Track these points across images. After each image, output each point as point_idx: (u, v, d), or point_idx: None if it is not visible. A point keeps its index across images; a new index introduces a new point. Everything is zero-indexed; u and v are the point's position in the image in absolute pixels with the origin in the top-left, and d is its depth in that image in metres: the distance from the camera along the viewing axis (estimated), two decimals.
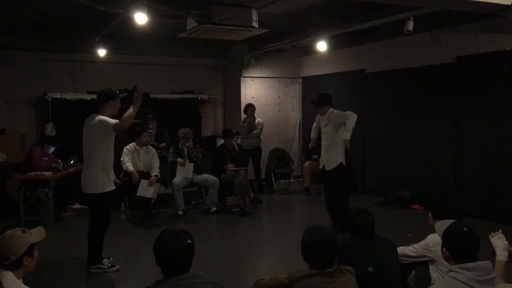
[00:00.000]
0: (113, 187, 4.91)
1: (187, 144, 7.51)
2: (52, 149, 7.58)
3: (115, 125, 4.63)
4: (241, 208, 7.40)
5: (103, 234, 4.91)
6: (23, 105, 8.73)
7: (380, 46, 8.42)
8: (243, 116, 9.27)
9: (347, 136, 6.03)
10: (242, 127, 9.01)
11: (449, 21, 6.94)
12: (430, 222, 3.25)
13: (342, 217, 5.78)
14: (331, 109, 6.21)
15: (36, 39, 8.47)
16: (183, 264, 2.35)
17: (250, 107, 9.08)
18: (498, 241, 2.80)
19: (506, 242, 2.79)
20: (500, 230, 2.87)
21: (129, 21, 6.02)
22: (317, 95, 6.39)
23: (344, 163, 6.13)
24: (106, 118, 4.65)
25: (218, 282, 2.41)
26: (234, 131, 8.81)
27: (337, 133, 6.09)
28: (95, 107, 4.80)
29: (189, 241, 2.40)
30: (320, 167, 6.35)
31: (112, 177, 4.90)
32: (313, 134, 6.75)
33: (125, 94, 5.22)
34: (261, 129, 9.11)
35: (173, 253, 2.32)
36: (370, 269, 2.78)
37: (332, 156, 6.11)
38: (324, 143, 6.24)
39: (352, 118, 6.02)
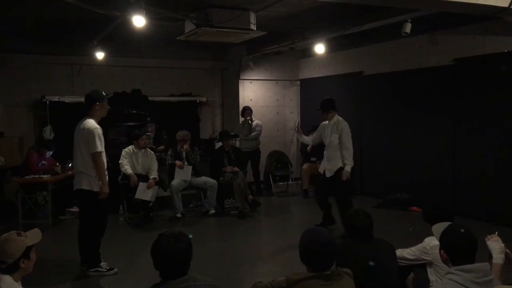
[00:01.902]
0: (108, 190, 4.88)
1: (184, 146, 7.51)
2: (49, 153, 7.57)
3: (97, 152, 4.68)
4: (239, 211, 7.40)
5: (101, 236, 4.91)
6: (21, 108, 8.72)
7: (378, 49, 8.44)
8: (241, 119, 9.28)
9: (349, 166, 6.04)
10: (242, 129, 9.03)
11: (446, 23, 6.96)
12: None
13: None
14: (336, 116, 6.22)
15: (34, 42, 8.47)
16: (181, 266, 2.34)
17: (247, 110, 9.11)
18: (494, 243, 2.79)
19: (502, 245, 2.79)
20: (496, 233, 2.87)
21: (127, 24, 6.03)
22: (320, 102, 6.33)
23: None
24: (97, 135, 4.68)
25: (216, 285, 2.40)
26: (232, 133, 8.83)
27: (340, 143, 6.11)
28: (85, 110, 4.85)
29: (187, 243, 2.39)
30: (321, 172, 6.35)
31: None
32: (310, 145, 6.71)
33: (111, 94, 5.25)
34: (260, 131, 9.12)
35: (171, 256, 2.32)
36: (371, 263, 2.77)
37: (334, 164, 6.12)
38: (327, 151, 6.24)
39: (347, 137, 6.10)
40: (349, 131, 6.17)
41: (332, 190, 6.27)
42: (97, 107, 4.81)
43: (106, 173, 4.84)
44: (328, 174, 6.18)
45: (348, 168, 6.01)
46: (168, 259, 2.32)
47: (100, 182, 4.74)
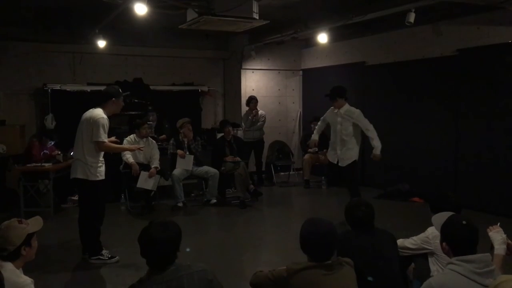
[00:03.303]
0: (104, 177, 4.88)
1: (187, 132, 7.47)
2: (50, 143, 7.57)
3: (99, 142, 4.69)
4: (241, 200, 7.41)
5: (99, 224, 4.92)
6: (22, 96, 8.71)
7: (381, 38, 8.39)
8: (244, 108, 9.24)
9: (378, 148, 6.02)
10: (247, 120, 8.99)
11: (450, 13, 6.91)
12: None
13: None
14: (346, 104, 6.20)
15: (36, 30, 8.43)
16: (166, 256, 2.32)
17: (253, 100, 9.03)
18: (496, 234, 2.80)
19: (504, 236, 2.79)
20: (499, 224, 2.87)
21: (129, 12, 6.00)
22: (331, 88, 6.33)
23: (357, 160, 6.22)
24: (102, 125, 4.68)
25: (204, 270, 2.39)
26: (233, 122, 8.81)
27: (353, 129, 6.10)
28: (99, 102, 4.86)
29: (175, 233, 2.37)
30: (334, 161, 6.27)
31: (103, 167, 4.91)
32: (315, 136, 6.59)
33: (128, 92, 5.27)
34: (264, 121, 9.10)
35: (155, 244, 2.30)
36: (370, 278, 2.78)
37: (347, 153, 6.12)
38: (338, 139, 6.18)
39: (364, 121, 6.09)
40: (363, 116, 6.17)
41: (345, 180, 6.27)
42: (112, 103, 4.84)
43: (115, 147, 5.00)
44: (341, 164, 6.16)
45: (377, 151, 6.03)
46: (152, 248, 2.30)
47: (100, 170, 4.81)
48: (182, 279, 2.27)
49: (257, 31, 7.80)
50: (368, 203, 3.12)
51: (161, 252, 2.31)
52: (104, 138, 4.71)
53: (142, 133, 7.17)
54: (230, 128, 7.99)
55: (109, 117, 4.84)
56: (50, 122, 8.45)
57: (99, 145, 4.71)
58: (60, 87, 8.68)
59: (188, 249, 2.43)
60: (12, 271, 2.51)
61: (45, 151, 7.39)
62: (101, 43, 8.36)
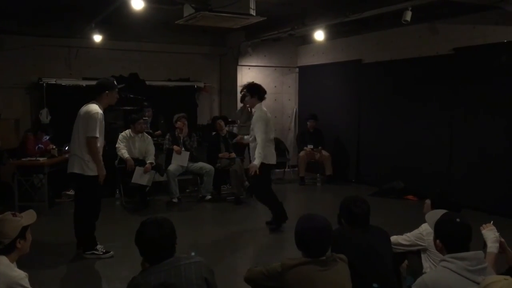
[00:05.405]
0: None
1: (183, 127, 7.46)
2: (45, 137, 7.54)
3: (91, 137, 4.67)
4: (236, 197, 7.42)
5: (95, 219, 4.92)
6: (17, 90, 8.66)
7: (377, 36, 8.40)
8: (240, 105, 9.24)
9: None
10: (241, 116, 8.98)
11: (447, 12, 6.93)
12: (425, 209, 3.26)
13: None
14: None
15: (31, 24, 8.39)
16: (167, 251, 2.37)
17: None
18: (489, 232, 2.82)
19: (497, 234, 2.81)
20: (492, 222, 2.89)
21: (126, 6, 5.98)
22: (253, 85, 6.28)
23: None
24: (97, 120, 4.67)
25: (201, 261, 2.44)
26: (229, 119, 8.79)
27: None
28: (93, 95, 4.84)
29: (169, 228, 2.42)
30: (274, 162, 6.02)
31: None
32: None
33: (123, 85, 5.24)
34: None
35: (156, 243, 2.35)
36: (375, 285, 2.79)
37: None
38: (272, 144, 6.10)
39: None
40: None
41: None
42: (107, 95, 4.82)
43: (101, 158, 4.84)
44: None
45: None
46: (153, 247, 2.36)
47: (95, 166, 4.75)
48: (180, 267, 2.33)
49: (254, 28, 7.80)
50: (364, 199, 3.13)
51: (159, 250, 2.36)
52: (97, 134, 4.70)
53: (137, 128, 7.16)
54: (222, 123, 7.96)
55: (104, 110, 4.83)
56: (45, 116, 8.42)
57: (92, 140, 4.68)
58: (55, 81, 8.64)
59: (193, 253, 2.47)
60: (6, 265, 2.51)
61: (40, 145, 7.37)
62: (97, 38, 8.33)
